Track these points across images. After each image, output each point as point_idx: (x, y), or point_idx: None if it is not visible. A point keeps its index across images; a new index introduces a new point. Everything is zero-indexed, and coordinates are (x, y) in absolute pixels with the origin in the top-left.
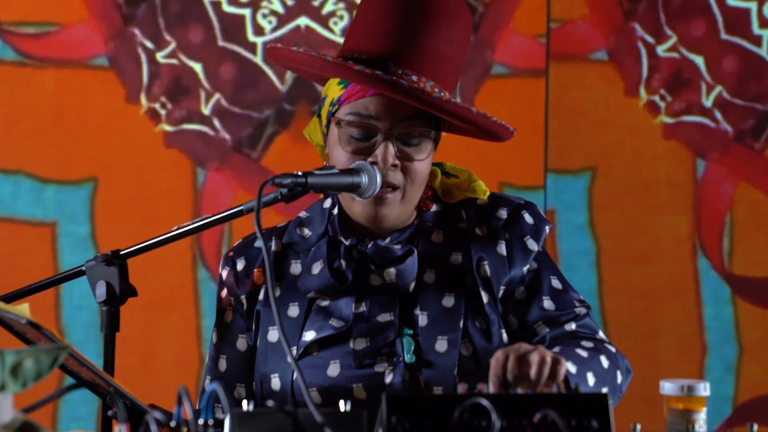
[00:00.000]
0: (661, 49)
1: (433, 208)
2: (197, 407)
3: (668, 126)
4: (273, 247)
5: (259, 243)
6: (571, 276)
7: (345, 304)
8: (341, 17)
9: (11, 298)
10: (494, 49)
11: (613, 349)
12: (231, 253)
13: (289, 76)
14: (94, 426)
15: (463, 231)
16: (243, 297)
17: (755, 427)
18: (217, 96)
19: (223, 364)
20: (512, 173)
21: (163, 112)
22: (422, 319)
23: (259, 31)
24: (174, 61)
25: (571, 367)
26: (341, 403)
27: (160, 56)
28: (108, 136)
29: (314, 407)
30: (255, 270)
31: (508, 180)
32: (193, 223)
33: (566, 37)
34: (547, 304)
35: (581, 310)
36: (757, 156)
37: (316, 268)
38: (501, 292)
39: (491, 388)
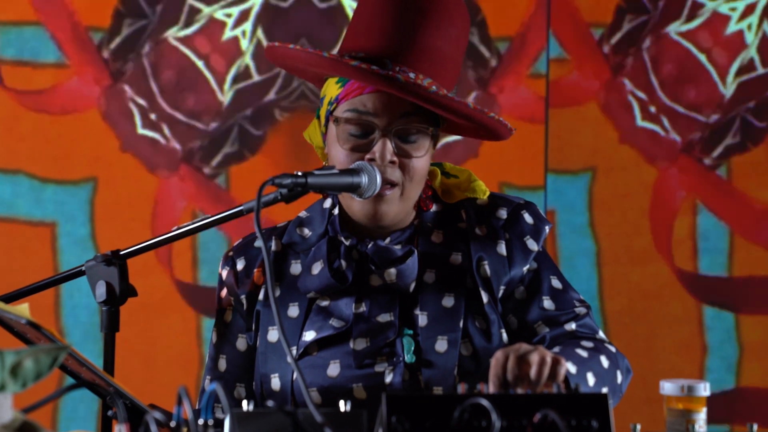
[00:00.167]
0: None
1: (433, 208)
2: (197, 407)
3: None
4: (273, 247)
5: (259, 243)
6: (571, 276)
7: (345, 305)
8: None
9: (11, 298)
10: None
11: (613, 349)
12: (231, 253)
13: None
14: (94, 426)
15: (463, 231)
16: (243, 297)
17: (755, 427)
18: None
19: (222, 364)
20: (512, 173)
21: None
22: (422, 319)
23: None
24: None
25: (571, 367)
26: (341, 403)
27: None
28: (108, 136)
29: (314, 407)
30: (255, 270)
31: (508, 180)
32: (193, 223)
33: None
34: (547, 304)
35: (581, 310)
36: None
37: (316, 268)
38: (501, 292)
39: (491, 388)
